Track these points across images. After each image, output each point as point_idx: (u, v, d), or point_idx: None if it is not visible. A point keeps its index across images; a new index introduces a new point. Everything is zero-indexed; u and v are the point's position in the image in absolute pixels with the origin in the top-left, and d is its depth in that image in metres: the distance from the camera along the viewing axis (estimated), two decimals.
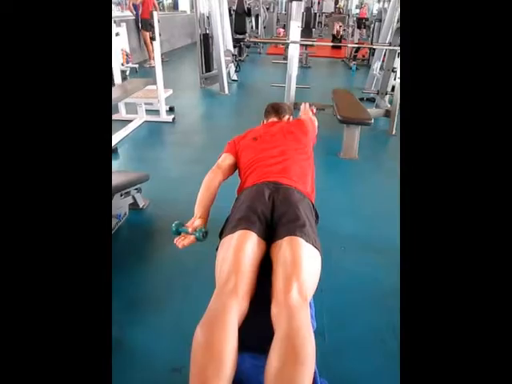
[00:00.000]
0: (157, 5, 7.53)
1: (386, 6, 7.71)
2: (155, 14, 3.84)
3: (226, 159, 1.56)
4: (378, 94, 4.77)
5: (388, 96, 4.56)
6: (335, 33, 9.85)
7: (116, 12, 8.02)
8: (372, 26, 8.14)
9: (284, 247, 1.07)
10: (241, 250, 1.06)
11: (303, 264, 1.02)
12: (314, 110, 2.03)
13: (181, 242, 1.21)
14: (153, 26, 3.78)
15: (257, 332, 0.98)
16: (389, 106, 4.30)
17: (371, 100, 5.09)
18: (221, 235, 1.23)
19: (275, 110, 1.87)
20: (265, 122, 1.89)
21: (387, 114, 4.12)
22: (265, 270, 1.11)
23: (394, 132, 3.99)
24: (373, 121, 3.27)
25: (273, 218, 1.21)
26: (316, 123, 1.93)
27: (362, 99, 5.05)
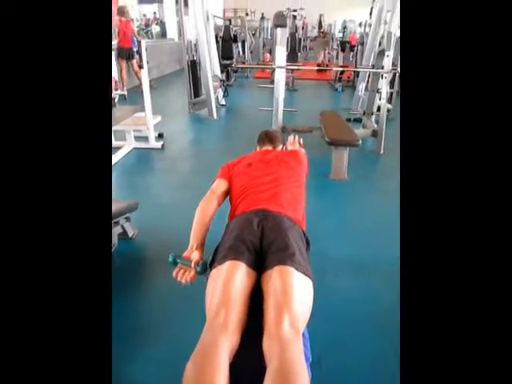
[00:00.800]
0: (136, 32, 7.26)
1: (367, 30, 7.97)
2: (143, 42, 3.90)
3: (220, 185, 1.54)
4: (364, 114, 4.85)
5: (374, 116, 4.64)
6: (320, 62, 10.08)
7: None
8: (355, 48, 8.38)
9: (274, 277, 1.05)
10: (230, 282, 1.04)
11: (294, 294, 1.00)
12: (301, 142, 2.05)
13: (183, 277, 1.17)
14: (140, 54, 3.83)
15: (249, 366, 0.95)
16: (375, 125, 4.36)
17: (358, 120, 5.17)
18: (211, 264, 1.20)
19: (269, 138, 1.87)
20: (258, 149, 1.89)
21: (374, 133, 4.18)
22: (257, 300, 1.08)
23: (381, 151, 4.04)
24: (360, 142, 3.32)
25: (262, 246, 1.19)
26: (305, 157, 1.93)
27: (348, 119, 5.13)
